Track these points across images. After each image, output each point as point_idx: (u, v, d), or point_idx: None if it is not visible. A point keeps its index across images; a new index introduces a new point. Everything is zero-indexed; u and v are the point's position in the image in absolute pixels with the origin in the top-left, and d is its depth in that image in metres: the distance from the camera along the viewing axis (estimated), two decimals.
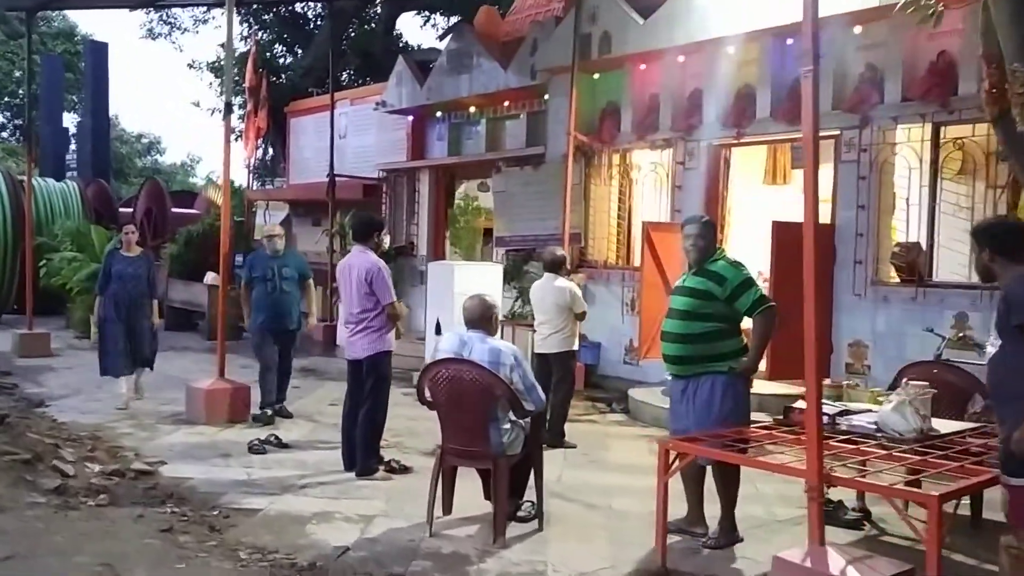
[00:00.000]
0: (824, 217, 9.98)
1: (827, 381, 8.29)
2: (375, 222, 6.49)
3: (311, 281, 8.52)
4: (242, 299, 8.32)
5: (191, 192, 24.44)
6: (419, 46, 22.43)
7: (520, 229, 11.81)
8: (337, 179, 14.48)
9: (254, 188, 19.38)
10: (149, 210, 18.12)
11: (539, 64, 11.37)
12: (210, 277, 15.80)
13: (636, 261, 10.65)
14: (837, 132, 8.54)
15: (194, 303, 15.09)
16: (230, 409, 7.92)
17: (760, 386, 8.70)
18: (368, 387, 6.18)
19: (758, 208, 10.48)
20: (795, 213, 11.06)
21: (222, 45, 23.94)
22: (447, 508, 5.25)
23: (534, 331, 7.82)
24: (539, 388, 4.96)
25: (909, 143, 8.01)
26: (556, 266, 7.50)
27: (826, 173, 9.77)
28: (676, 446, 4.51)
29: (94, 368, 8.82)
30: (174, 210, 18.60)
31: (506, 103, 12.79)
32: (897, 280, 8.15)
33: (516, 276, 11.39)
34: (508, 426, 4.90)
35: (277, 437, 7.23)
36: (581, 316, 7.55)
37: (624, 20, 10.11)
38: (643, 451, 7.58)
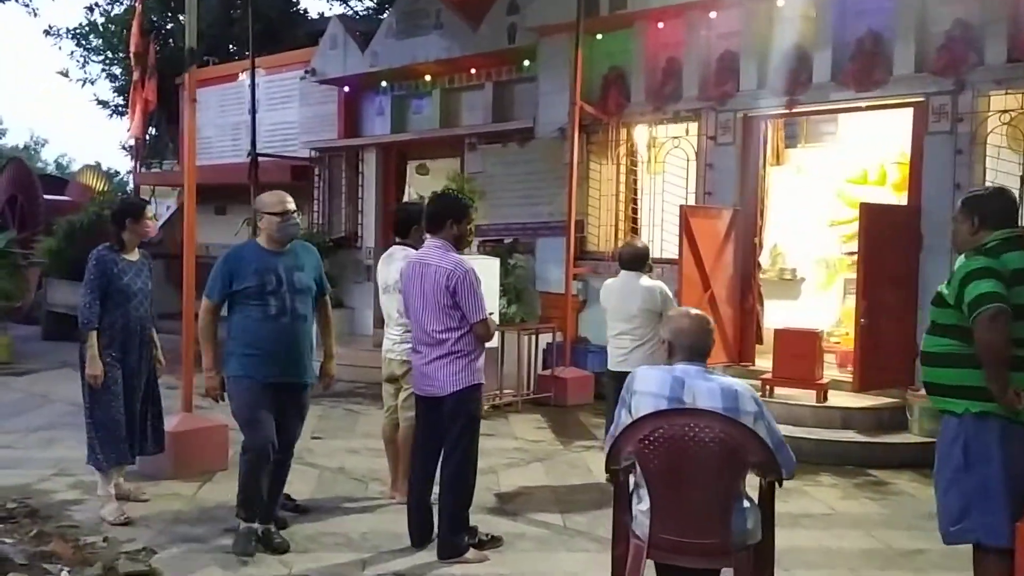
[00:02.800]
0: (892, 196, 8.86)
1: (924, 392, 7.22)
2: (452, 207, 4.62)
3: (328, 297, 5.01)
4: (202, 330, 4.64)
5: (58, 178, 21.26)
6: (321, 14, 20.23)
7: (502, 216, 10.14)
8: (259, 159, 12.30)
9: (141, 171, 16.74)
10: (13, 197, 15.28)
11: (527, 23, 9.72)
12: None
13: (653, 251, 9.17)
14: (920, 99, 7.36)
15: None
16: (206, 456, 5.95)
17: (847, 399, 7.52)
18: (454, 435, 4.43)
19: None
20: (798, 197, 10.06)
21: (90, 8, 20.93)
22: None
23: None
24: (787, 445, 3.41)
25: (1022, 110, 6.90)
26: (639, 261, 5.93)
27: (892, 142, 8.72)
28: None
29: None
30: (44, 197, 15.78)
31: (472, 70, 11.06)
32: None
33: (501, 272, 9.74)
34: (748, 504, 3.33)
35: (290, 497, 5.36)
36: None
37: None
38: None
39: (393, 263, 5.37)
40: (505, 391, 8.63)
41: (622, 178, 9.46)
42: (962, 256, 3.57)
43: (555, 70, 9.60)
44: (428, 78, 11.55)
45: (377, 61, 11.66)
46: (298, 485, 5.78)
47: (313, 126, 13.59)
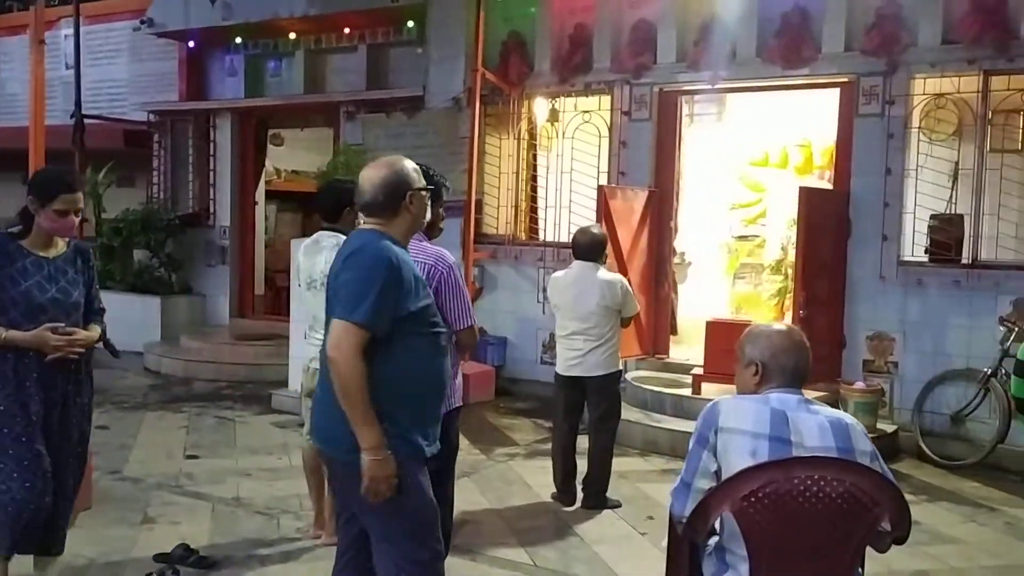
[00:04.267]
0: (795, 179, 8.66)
1: (859, 385, 6.92)
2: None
3: None
4: (357, 384, 2.58)
5: None
6: None
7: None
8: (85, 122, 10.59)
9: None
10: None
11: None
12: None
13: (558, 235, 8.47)
14: (847, 79, 7.05)
15: None
16: None
17: None
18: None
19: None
20: (690, 179, 9.69)
21: None
22: None
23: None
24: None
25: (960, 94, 6.69)
26: (597, 251, 5.21)
27: (792, 124, 8.50)
28: None
29: None
30: None
31: (346, 30, 9.90)
32: (928, 259, 6.85)
33: None
34: (860, 569, 2.70)
35: (188, 548, 4.28)
36: (628, 322, 5.36)
37: None
38: None
39: (321, 253, 4.38)
40: None
41: (523, 155, 8.70)
42: None
43: (448, 34, 8.69)
44: (292, 36, 10.27)
45: (230, 14, 10.23)
46: (190, 527, 4.72)
47: (147, 85, 11.89)
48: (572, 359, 5.19)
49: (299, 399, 7.09)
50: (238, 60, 10.99)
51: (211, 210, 10.73)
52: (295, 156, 12.35)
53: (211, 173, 10.71)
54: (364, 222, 2.83)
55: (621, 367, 5.35)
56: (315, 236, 4.54)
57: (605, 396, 5.20)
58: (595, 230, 5.34)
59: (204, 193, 10.78)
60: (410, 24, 9.31)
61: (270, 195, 11.83)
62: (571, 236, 8.01)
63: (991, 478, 6.09)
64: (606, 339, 5.15)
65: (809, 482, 2.47)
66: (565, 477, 5.28)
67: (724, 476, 2.60)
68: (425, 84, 8.91)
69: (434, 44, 8.83)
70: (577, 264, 5.20)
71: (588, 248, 5.18)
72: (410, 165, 2.86)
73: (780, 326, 2.83)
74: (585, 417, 5.30)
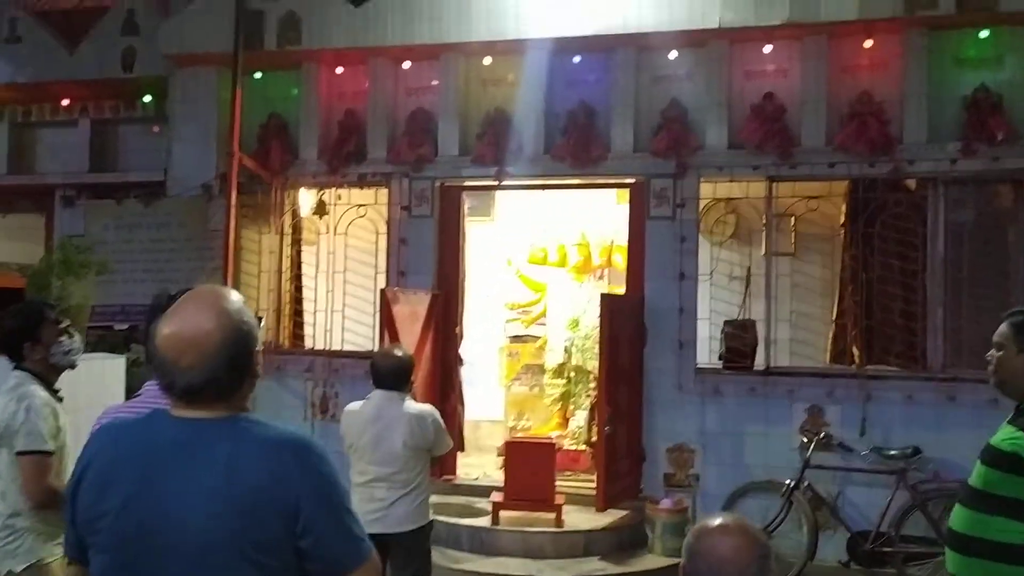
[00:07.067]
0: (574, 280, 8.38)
1: (666, 503, 6.40)
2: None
3: None
4: None
5: None
6: None
7: (116, 295, 7.63)
8: None
9: None
10: None
11: (161, 47, 7.54)
12: None
13: (330, 342, 7.45)
14: (636, 180, 6.83)
15: None
16: None
17: (581, 518, 6.39)
18: None
19: None
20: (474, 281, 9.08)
21: None
22: None
23: None
24: None
25: (748, 198, 6.63)
26: (403, 377, 4.32)
27: (568, 223, 8.21)
28: None
29: None
30: None
31: (65, 102, 8.42)
32: (723, 366, 6.65)
33: None
34: None
35: None
36: (438, 461, 4.51)
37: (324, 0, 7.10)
38: None
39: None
40: None
41: (287, 251, 7.65)
42: None
43: (196, 111, 7.57)
44: None
45: None
46: None
47: None
48: (373, 512, 4.21)
49: None
50: None
51: None
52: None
53: None
54: (187, 411, 1.72)
55: (432, 517, 4.46)
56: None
57: (415, 556, 4.30)
58: (399, 352, 4.46)
59: None
60: (147, 99, 8.08)
61: None
62: (344, 344, 7.29)
63: None
64: (415, 486, 4.26)
65: None
66: None
67: None
68: (167, 168, 7.66)
69: (179, 123, 7.65)
70: (378, 394, 4.29)
71: (392, 374, 4.29)
72: (240, 300, 1.78)
73: (722, 524, 2.07)
74: None
